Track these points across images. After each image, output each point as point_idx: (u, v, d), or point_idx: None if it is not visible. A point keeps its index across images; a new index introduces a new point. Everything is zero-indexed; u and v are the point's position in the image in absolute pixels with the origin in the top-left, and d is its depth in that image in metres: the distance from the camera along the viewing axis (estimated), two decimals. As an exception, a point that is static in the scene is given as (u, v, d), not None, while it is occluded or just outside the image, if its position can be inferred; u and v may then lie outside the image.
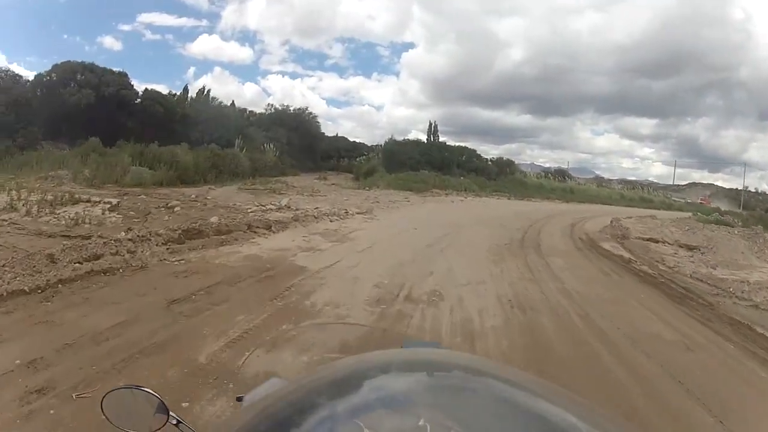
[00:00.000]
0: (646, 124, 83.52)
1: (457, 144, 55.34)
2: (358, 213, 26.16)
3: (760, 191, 63.17)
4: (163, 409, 1.78)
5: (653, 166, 75.59)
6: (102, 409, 1.82)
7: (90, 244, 12.43)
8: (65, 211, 18.73)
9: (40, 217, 17.68)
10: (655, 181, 67.84)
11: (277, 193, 31.60)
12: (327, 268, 13.14)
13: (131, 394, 1.84)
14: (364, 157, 56.31)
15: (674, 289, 13.35)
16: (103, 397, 1.83)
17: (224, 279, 11.39)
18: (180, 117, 43.44)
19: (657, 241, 20.69)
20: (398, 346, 2.76)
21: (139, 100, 43.50)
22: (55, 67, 41.71)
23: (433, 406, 1.13)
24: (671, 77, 71.89)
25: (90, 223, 17.43)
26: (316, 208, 25.75)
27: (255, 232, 17.72)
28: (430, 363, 1.49)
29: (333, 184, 41.69)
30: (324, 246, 16.61)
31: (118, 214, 19.67)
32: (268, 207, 24.94)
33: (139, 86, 46.15)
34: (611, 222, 26.94)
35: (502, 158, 57.92)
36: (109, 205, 20.79)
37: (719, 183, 68.19)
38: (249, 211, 23.16)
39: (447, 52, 72.97)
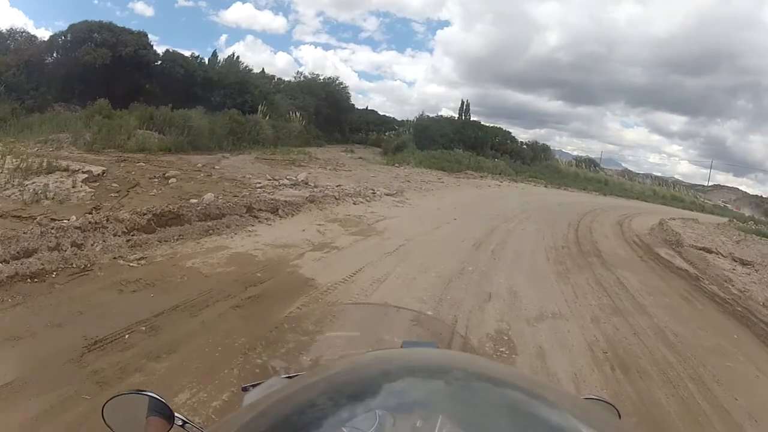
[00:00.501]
0: (675, 121, 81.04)
1: (491, 124, 52.22)
2: (386, 194, 22.13)
3: None
4: (168, 411, 1.64)
5: (680, 164, 72.45)
6: (104, 418, 1.65)
7: (26, 233, 9.05)
8: (34, 183, 14.92)
9: (5, 189, 14.15)
10: (681, 179, 65.42)
11: (296, 165, 27.43)
12: (343, 283, 9.67)
13: (133, 400, 1.66)
14: (393, 131, 52.87)
15: (761, 327, 11.01)
16: (104, 405, 1.65)
17: (187, 299, 7.88)
18: (202, 80, 39.33)
19: (710, 251, 18.50)
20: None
21: (159, 62, 39.69)
22: (72, 27, 37.71)
23: (433, 406, 1.05)
24: (704, 76, 68.79)
25: (53, 198, 13.74)
26: (339, 185, 21.73)
27: (256, 216, 13.85)
28: (431, 362, 1.31)
29: (360, 158, 37.65)
30: (342, 242, 12.93)
31: (95, 186, 15.71)
32: (281, 182, 20.70)
33: (161, 48, 42.89)
34: (660, 224, 24.86)
35: (537, 143, 53.79)
36: (87, 175, 16.64)
37: (743, 188, 66.27)
38: (257, 186, 19.24)
39: (483, 32, 69.76)
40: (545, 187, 39.81)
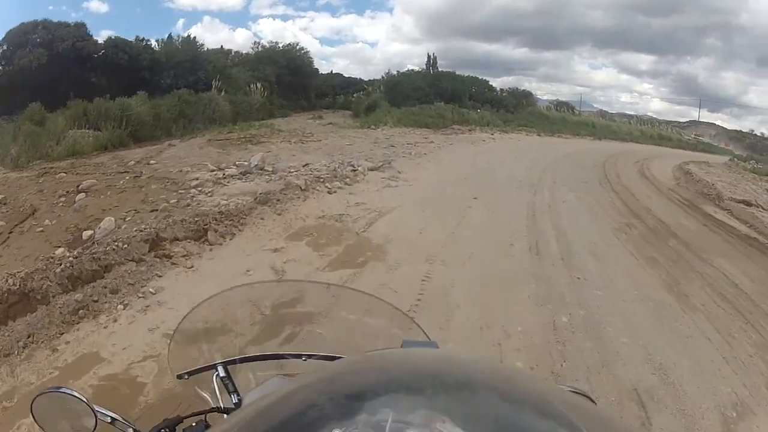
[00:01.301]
0: (644, 60, 79.94)
1: (466, 74, 47.64)
2: (371, 169, 16.60)
3: (766, 135, 58.18)
4: (90, 411, 1.58)
5: (652, 101, 70.55)
6: (32, 415, 1.60)
7: None
8: None
9: None
10: (654, 116, 61.00)
11: (254, 142, 21.73)
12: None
13: (60, 398, 1.60)
14: (363, 92, 48.03)
15: None
16: (32, 401, 1.59)
17: None
18: (149, 64, 35.23)
19: (751, 204, 17.64)
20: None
21: (102, 51, 34.99)
22: (9, 32, 33.85)
23: (433, 407, 0.93)
24: (671, 16, 66.86)
25: None
26: (306, 165, 16.33)
27: (167, 255, 8.22)
28: (432, 363, 1.21)
29: (330, 123, 32.56)
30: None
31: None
32: (228, 171, 14.87)
33: (104, 36, 38.45)
34: (685, 172, 23.70)
35: (518, 89, 49.95)
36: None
37: (719, 122, 62.72)
38: (193, 184, 13.61)
39: None
40: (539, 135, 37.00)
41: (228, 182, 13.64)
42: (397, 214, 11.92)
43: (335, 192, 13.40)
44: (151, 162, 17.51)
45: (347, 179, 14.65)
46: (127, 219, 10.70)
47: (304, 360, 1.85)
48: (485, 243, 10.33)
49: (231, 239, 9.59)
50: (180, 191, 12.97)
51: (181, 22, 72.88)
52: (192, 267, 8.06)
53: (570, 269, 9.17)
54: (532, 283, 8.41)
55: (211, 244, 9.07)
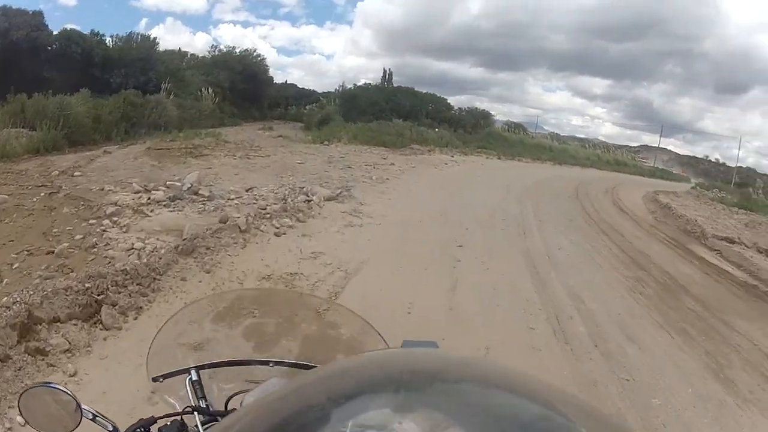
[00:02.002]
0: (599, 84, 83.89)
1: (424, 91, 47.17)
2: (327, 198, 13.97)
3: (720, 161, 61.05)
4: (77, 405, 1.58)
5: (603, 125, 71.59)
6: (19, 410, 1.61)
7: None
8: None
9: None
10: (605, 140, 64.07)
11: (194, 155, 19.20)
12: None
13: (47, 393, 1.62)
14: (316, 104, 47.08)
15: None
16: (20, 396, 1.61)
17: None
18: (101, 60, 33.84)
19: (734, 242, 17.24)
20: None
21: (56, 44, 33.54)
22: None
23: (434, 407, 0.95)
24: (631, 41, 72.39)
25: None
26: (250, 190, 13.85)
27: (43, 351, 5.25)
28: (432, 363, 1.22)
29: (280, 136, 30.91)
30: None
31: None
32: (154, 195, 12.16)
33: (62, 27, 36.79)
34: (660, 204, 23.72)
35: (477, 109, 49.36)
36: None
37: (671, 148, 65.89)
38: (108, 212, 10.81)
39: (403, 2, 69.22)
40: (499, 159, 36.17)
41: (152, 211, 10.92)
42: (370, 274, 9.36)
43: (284, 234, 10.73)
44: (76, 174, 15.07)
45: (300, 213, 11.87)
46: (14, 266, 8.19)
47: (272, 366, 1.88)
48: (497, 325, 8.14)
49: (136, 318, 6.56)
50: (92, 220, 10.44)
51: (144, 21, 75.88)
52: (74, 374, 5.27)
53: (611, 364, 7.46)
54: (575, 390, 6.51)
55: (106, 328, 6.04)
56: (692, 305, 10.89)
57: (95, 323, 6.02)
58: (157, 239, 8.95)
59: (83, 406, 1.55)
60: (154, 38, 39.23)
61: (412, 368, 1.10)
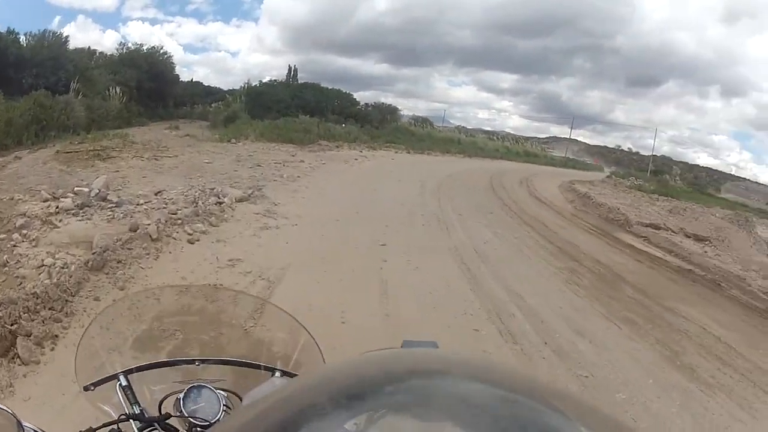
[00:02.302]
0: (506, 79, 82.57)
1: (332, 87, 46.39)
2: (239, 200, 13.11)
3: (633, 150, 61.47)
4: (17, 423, 1.40)
5: (510, 118, 72.43)
6: None
7: None
8: None
9: None
10: (513, 132, 62.94)
11: (103, 157, 17.94)
12: None
13: None
14: (222, 102, 46.55)
15: None
16: None
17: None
18: (15, 60, 32.42)
19: (659, 228, 17.99)
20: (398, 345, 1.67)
21: None
22: None
23: (434, 408, 0.94)
24: (540, 37, 72.84)
25: None
26: (159, 193, 12.81)
27: None
28: (432, 363, 1.19)
29: (187, 135, 29.69)
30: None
31: None
32: (63, 203, 10.84)
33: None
34: (578, 194, 24.13)
35: (383, 104, 48.95)
36: None
37: (581, 138, 65.64)
38: (18, 224, 9.62)
39: None
40: (408, 153, 35.89)
41: (60, 221, 9.76)
42: (294, 282, 8.48)
43: (198, 240, 9.81)
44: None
45: (212, 217, 11.01)
46: None
47: (198, 365, 1.84)
48: (439, 330, 7.46)
49: (53, 349, 5.58)
50: (1, 235, 9.28)
51: (57, 18, 72.11)
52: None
53: (566, 362, 7.26)
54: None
55: (24, 363, 5.20)
56: (632, 294, 11.00)
57: (13, 358, 5.26)
58: (67, 253, 8.11)
59: (24, 423, 1.41)
60: (66, 36, 38.17)
61: (412, 368, 1.07)
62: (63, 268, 7.27)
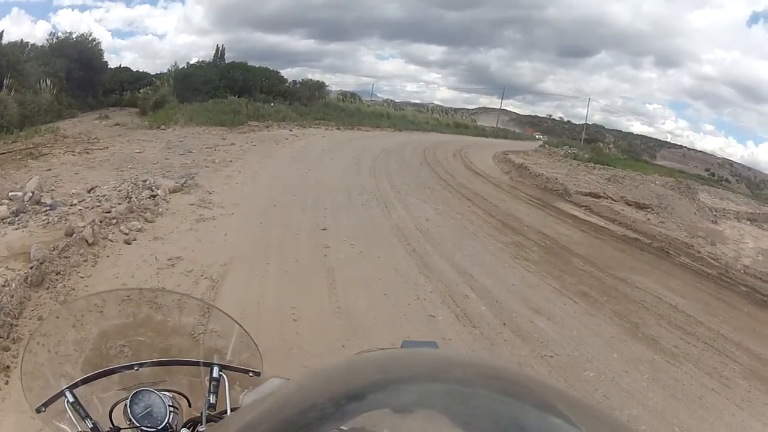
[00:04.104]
0: (434, 51, 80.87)
1: (259, 65, 45.55)
2: (173, 191, 12.50)
3: (565, 120, 59.77)
4: None
5: (439, 90, 71.97)
6: None
7: None
8: None
9: None
10: (441, 104, 61.29)
11: (36, 156, 17.36)
12: None
13: None
14: (150, 87, 44.60)
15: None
16: None
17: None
18: None
19: (599, 196, 18.36)
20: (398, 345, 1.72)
21: None
22: None
23: (434, 408, 0.94)
24: (469, 9, 68.49)
25: None
26: (92, 190, 12.08)
27: None
28: (432, 363, 1.17)
29: (117, 124, 29.13)
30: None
31: None
32: None
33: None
34: (515, 165, 24.14)
35: (311, 80, 48.66)
36: None
37: (510, 108, 63.99)
38: None
39: None
40: (338, 129, 35.30)
41: None
42: (239, 279, 8.09)
43: (135, 240, 9.16)
44: None
45: (147, 212, 10.36)
46: None
47: (137, 369, 1.81)
48: (394, 319, 7.36)
49: (7, 382, 5.03)
50: None
51: None
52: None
53: (528, 343, 7.20)
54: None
55: None
56: (582, 266, 11.06)
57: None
58: (7, 268, 7.51)
59: None
60: (1, 32, 36.83)
61: (412, 368, 1.05)
62: (4, 286, 6.54)
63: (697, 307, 9.66)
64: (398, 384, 0.94)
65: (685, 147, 48.45)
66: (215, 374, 1.78)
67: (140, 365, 1.79)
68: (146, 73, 49.78)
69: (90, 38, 43.20)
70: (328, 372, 1.11)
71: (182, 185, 12.94)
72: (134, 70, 51.04)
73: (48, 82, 33.23)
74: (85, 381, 1.75)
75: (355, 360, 1.28)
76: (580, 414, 0.91)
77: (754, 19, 64.42)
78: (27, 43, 41.01)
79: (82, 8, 75.50)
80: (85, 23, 62.54)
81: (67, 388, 1.70)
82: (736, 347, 8.11)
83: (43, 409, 1.70)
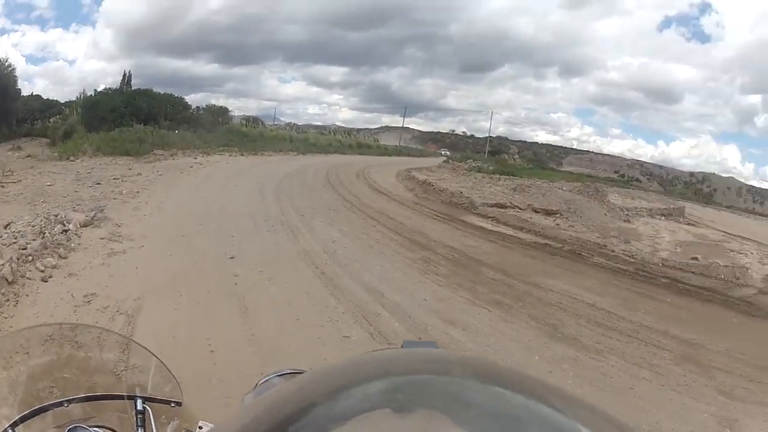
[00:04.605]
0: (336, 72, 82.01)
1: (163, 91, 45.72)
2: (84, 225, 12.19)
3: (468, 134, 61.74)
4: None
5: (341, 111, 72.72)
6: None
7: None
8: None
9: None
10: (344, 125, 62.97)
11: None
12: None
13: None
14: (59, 115, 44.40)
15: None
16: None
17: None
18: None
19: (506, 206, 18.81)
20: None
21: None
22: None
23: (435, 408, 0.91)
24: (370, 29, 71.09)
25: None
26: (8, 226, 11.68)
27: None
28: (433, 363, 1.11)
29: (29, 156, 29.79)
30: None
31: None
32: None
33: None
34: (418, 181, 24.80)
35: (215, 106, 50.23)
36: None
37: (413, 126, 65.82)
38: None
39: None
40: (242, 155, 35.79)
41: None
42: (152, 312, 7.83)
43: (51, 277, 8.90)
44: None
45: (60, 248, 10.15)
46: None
47: (66, 406, 1.79)
48: (308, 343, 7.39)
49: None
50: None
51: None
52: None
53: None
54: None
55: None
56: (493, 275, 11.18)
57: None
58: None
59: None
60: None
61: (412, 368, 1.03)
62: None
63: (616, 303, 9.90)
64: (398, 383, 0.96)
65: (592, 152, 49.96)
66: (139, 407, 1.81)
67: (69, 401, 1.78)
68: (56, 101, 48.85)
69: (6, 64, 41.87)
70: (327, 372, 1.11)
71: (92, 218, 12.62)
72: (45, 98, 50.15)
73: (-38, 114, 31.08)
74: (22, 420, 1.74)
75: (355, 360, 1.23)
76: (579, 413, 0.93)
77: (666, 24, 67.19)
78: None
79: (1, 32, 73.49)
80: (2, 48, 61.00)
81: (9, 426, 1.70)
82: (662, 336, 8.38)
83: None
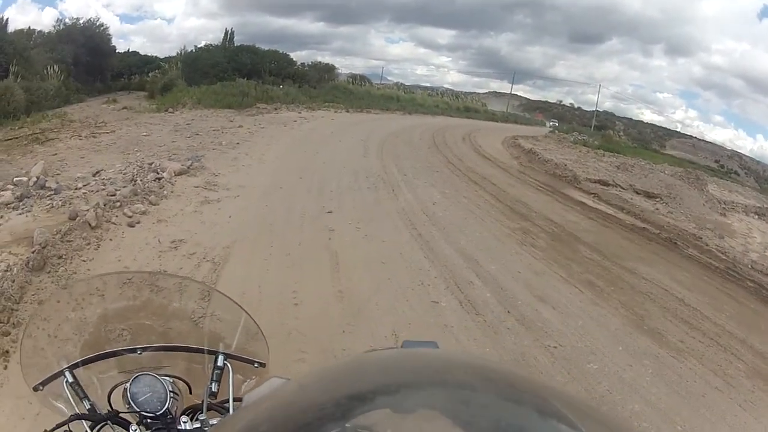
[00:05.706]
0: (443, 35, 79.79)
1: (268, 48, 45.05)
2: (178, 173, 12.28)
3: (576, 106, 57.83)
4: None
5: (449, 74, 71.18)
6: None
7: None
8: None
9: None
10: (452, 88, 59.36)
11: (42, 141, 17.11)
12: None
13: None
14: (158, 70, 43.94)
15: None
16: None
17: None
18: None
19: (608, 184, 18.03)
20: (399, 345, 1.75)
21: None
22: None
23: (435, 408, 0.93)
24: None
25: None
26: (97, 173, 11.90)
27: None
28: (433, 363, 1.16)
29: (124, 108, 28.60)
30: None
31: None
32: (2, 196, 9.86)
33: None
34: (524, 150, 23.94)
35: (321, 63, 47.91)
36: None
37: (521, 93, 62.10)
38: None
39: None
40: (348, 112, 35.26)
41: (1, 216, 9.00)
42: (241, 262, 8.02)
43: (139, 222, 9.12)
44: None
45: (152, 195, 10.32)
46: None
47: (140, 353, 1.80)
48: (396, 304, 7.20)
49: (6, 366, 5.11)
50: None
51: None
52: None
53: (532, 332, 7.06)
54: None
55: None
56: (589, 254, 10.86)
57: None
58: (10, 253, 7.38)
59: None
60: (6, 20, 35.75)
61: (412, 368, 1.06)
62: (6, 271, 6.52)
63: (703, 300, 9.45)
64: (399, 384, 0.94)
65: (695, 137, 47.51)
66: (219, 363, 1.77)
67: (143, 349, 1.79)
68: (155, 57, 48.35)
69: (97, 23, 41.96)
70: (328, 372, 1.10)
71: (188, 168, 12.78)
72: (143, 54, 49.82)
73: (55, 68, 32.77)
74: (84, 362, 1.75)
75: (355, 360, 1.29)
76: (581, 416, 0.90)
77: (765, 12, 64.18)
78: (34, 30, 39.74)
79: (91, -7, 75.92)
80: (92, 9, 62.22)
81: (66, 368, 1.70)
82: (740, 344, 7.94)
83: (41, 388, 1.72)
